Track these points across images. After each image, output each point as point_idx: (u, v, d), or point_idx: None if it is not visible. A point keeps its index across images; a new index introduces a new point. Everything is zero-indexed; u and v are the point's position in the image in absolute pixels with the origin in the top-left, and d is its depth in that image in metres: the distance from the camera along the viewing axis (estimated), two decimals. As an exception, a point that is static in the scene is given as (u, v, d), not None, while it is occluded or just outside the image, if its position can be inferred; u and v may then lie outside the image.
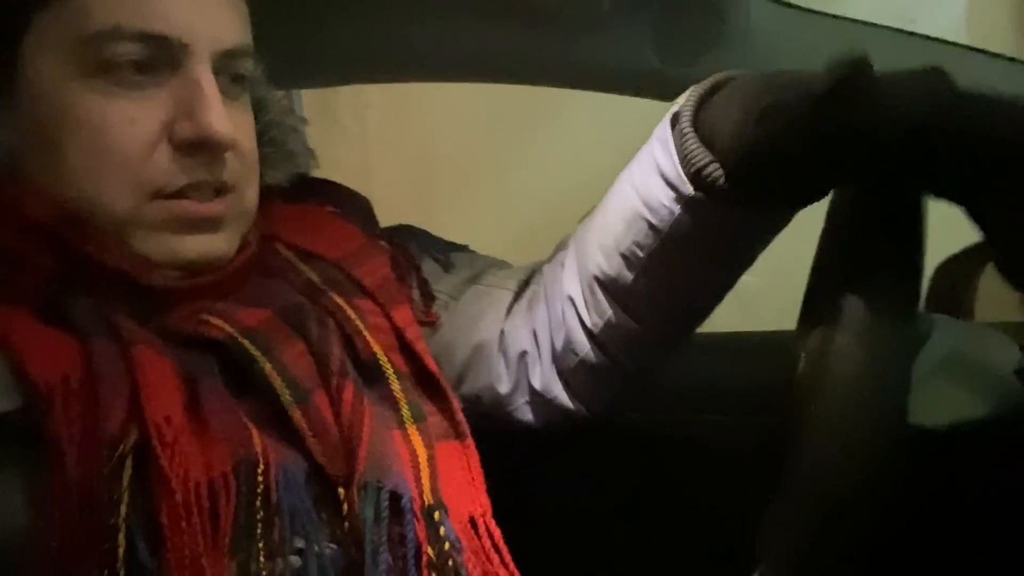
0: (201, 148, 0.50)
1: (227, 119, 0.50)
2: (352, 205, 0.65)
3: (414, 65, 0.86)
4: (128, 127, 0.49)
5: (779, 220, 0.52)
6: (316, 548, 0.46)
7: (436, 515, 0.51)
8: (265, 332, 0.51)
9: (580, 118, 1.59)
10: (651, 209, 0.52)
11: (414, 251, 0.66)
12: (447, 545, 0.50)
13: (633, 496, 0.82)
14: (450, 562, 0.50)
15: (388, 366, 0.55)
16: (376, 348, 0.55)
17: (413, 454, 0.52)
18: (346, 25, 0.81)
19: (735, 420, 0.70)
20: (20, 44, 0.49)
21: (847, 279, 0.42)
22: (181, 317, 0.51)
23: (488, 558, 0.53)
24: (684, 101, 0.51)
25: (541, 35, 0.78)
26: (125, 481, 0.43)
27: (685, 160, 0.49)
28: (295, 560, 0.46)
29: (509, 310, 0.64)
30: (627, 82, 0.80)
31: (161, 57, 0.49)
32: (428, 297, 0.65)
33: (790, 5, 0.74)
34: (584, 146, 1.70)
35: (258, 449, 0.47)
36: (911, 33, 0.72)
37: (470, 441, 0.56)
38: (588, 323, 0.59)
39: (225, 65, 0.52)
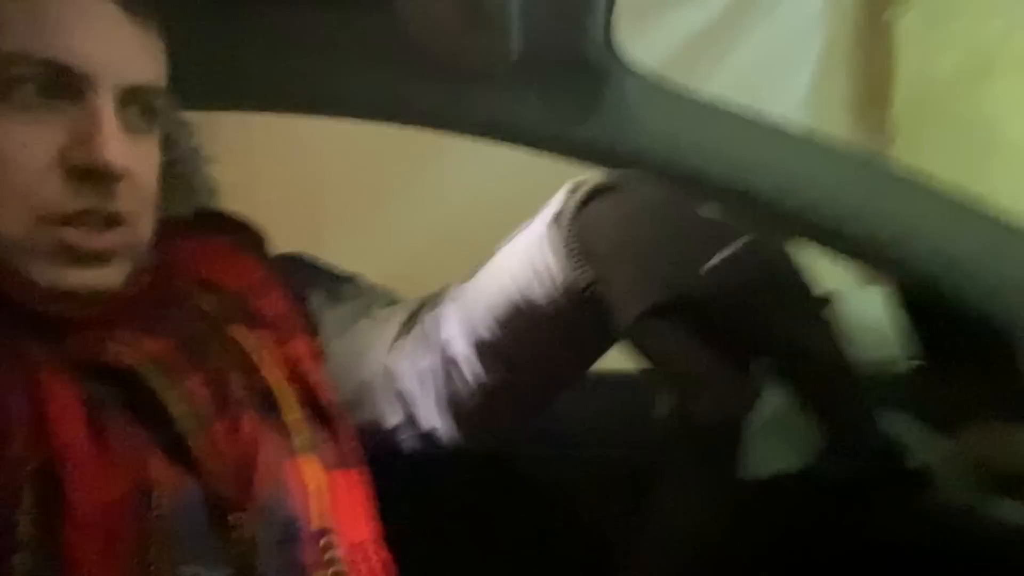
0: (93, 176, 0.51)
1: (122, 149, 0.51)
2: (251, 238, 0.67)
3: (315, 103, 0.89)
4: (21, 151, 0.50)
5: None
6: (209, 573, 0.48)
7: (326, 540, 0.53)
8: (168, 361, 0.53)
9: (466, 153, 1.65)
10: (528, 303, 0.56)
11: (303, 282, 0.68)
12: (336, 569, 0.53)
13: (517, 525, 0.86)
14: None
15: (283, 397, 0.57)
16: (272, 379, 0.57)
17: (304, 482, 0.55)
18: (250, 56, 0.83)
19: (616, 454, 0.76)
20: None
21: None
22: (86, 343, 0.51)
23: None
24: (562, 204, 0.55)
25: (438, 86, 0.83)
26: (27, 503, 0.43)
27: (571, 275, 0.53)
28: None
29: (393, 346, 0.67)
30: (515, 136, 0.86)
31: (63, 85, 0.51)
32: (315, 328, 0.67)
33: (661, 84, 0.83)
34: (470, 179, 1.76)
35: (155, 475, 0.48)
36: (766, 119, 0.83)
37: (360, 469, 0.60)
38: (469, 378, 0.63)
39: (131, 99, 0.53)
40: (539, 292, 0.56)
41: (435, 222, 1.80)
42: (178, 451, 0.51)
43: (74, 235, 0.51)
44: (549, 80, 0.82)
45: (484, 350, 0.62)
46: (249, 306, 0.61)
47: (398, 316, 0.69)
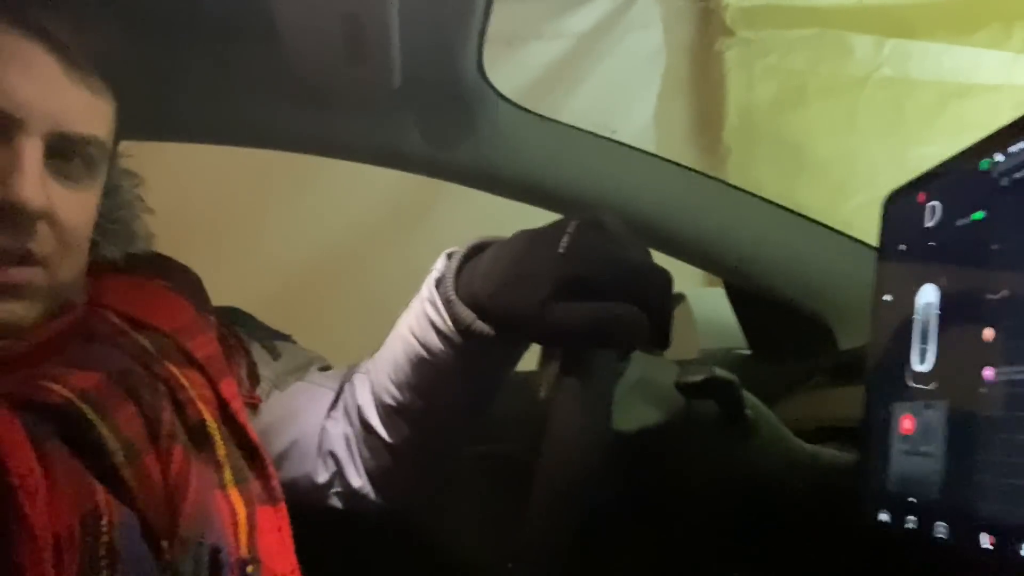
0: (10, 214, 0.52)
1: (40, 190, 0.53)
2: (183, 280, 0.69)
3: (199, 130, 0.92)
4: None
5: (526, 347, 0.65)
6: None
7: (250, 568, 0.56)
8: (99, 395, 0.54)
9: (332, 183, 1.68)
10: (431, 354, 0.63)
11: (244, 335, 0.72)
12: None
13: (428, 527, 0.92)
14: None
15: (215, 432, 0.59)
16: (205, 415, 0.59)
17: (233, 513, 0.57)
18: (136, 86, 0.85)
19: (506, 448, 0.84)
20: None
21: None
22: (18, 381, 0.52)
23: None
24: (444, 268, 0.62)
25: (324, 114, 0.88)
26: None
27: (454, 319, 0.61)
28: None
29: (330, 410, 0.73)
30: (395, 160, 0.92)
31: None
32: (254, 379, 0.71)
33: (527, 110, 0.92)
34: (335, 211, 1.80)
35: (101, 502, 0.50)
36: (615, 141, 0.94)
37: (283, 505, 0.63)
38: (388, 441, 0.69)
39: (63, 147, 0.55)
40: (435, 342, 0.62)
41: (309, 244, 1.83)
42: (114, 482, 0.52)
43: None
44: (427, 107, 0.89)
45: (391, 411, 0.68)
46: (181, 346, 0.63)
47: (334, 382, 0.74)
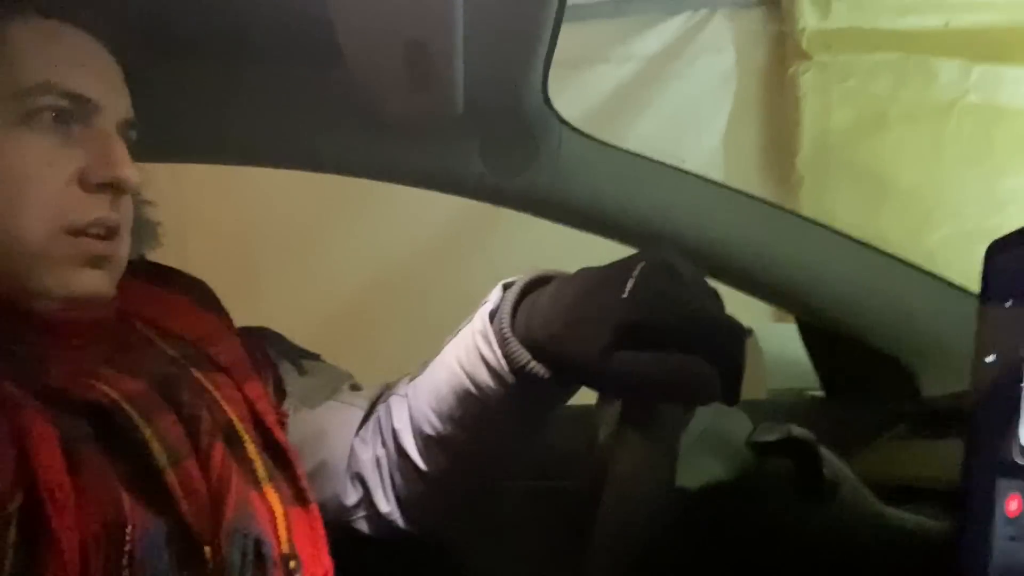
0: (109, 190, 0.57)
1: (133, 167, 0.57)
2: (201, 292, 0.70)
3: (262, 155, 0.92)
4: (46, 169, 0.55)
5: (575, 392, 0.63)
6: None
7: (292, 564, 0.56)
8: (144, 401, 0.55)
9: (392, 205, 1.68)
10: (479, 388, 0.61)
11: (272, 352, 0.72)
12: None
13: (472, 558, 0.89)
14: None
15: (243, 432, 0.59)
16: (232, 415, 0.60)
17: (270, 510, 0.57)
18: (197, 108, 0.86)
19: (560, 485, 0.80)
20: None
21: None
22: (66, 378, 0.53)
23: None
24: (499, 301, 0.61)
25: (385, 141, 0.88)
26: (10, 539, 0.45)
27: (508, 358, 0.58)
28: None
29: (359, 430, 0.72)
30: (456, 186, 0.91)
31: (77, 113, 0.57)
32: (281, 395, 0.70)
33: (591, 137, 0.90)
34: (395, 232, 1.80)
35: (127, 511, 0.50)
36: (683, 170, 0.90)
37: (314, 507, 0.62)
38: (423, 469, 0.67)
39: (125, 133, 0.60)
40: (485, 378, 0.60)
41: (367, 268, 1.84)
42: (148, 488, 0.52)
43: (87, 242, 0.56)
44: (490, 133, 0.87)
45: (430, 441, 0.66)
46: (206, 352, 0.64)
47: (364, 402, 0.73)
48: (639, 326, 0.51)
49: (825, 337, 0.98)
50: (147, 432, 0.53)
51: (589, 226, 0.91)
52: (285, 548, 0.56)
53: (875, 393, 0.93)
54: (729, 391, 0.51)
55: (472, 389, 0.61)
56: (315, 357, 0.76)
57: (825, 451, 0.62)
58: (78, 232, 0.56)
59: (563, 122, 0.88)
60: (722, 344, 0.51)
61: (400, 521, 0.70)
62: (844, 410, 0.97)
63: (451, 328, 0.67)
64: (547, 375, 0.57)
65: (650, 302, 0.51)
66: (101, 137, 0.57)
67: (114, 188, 0.57)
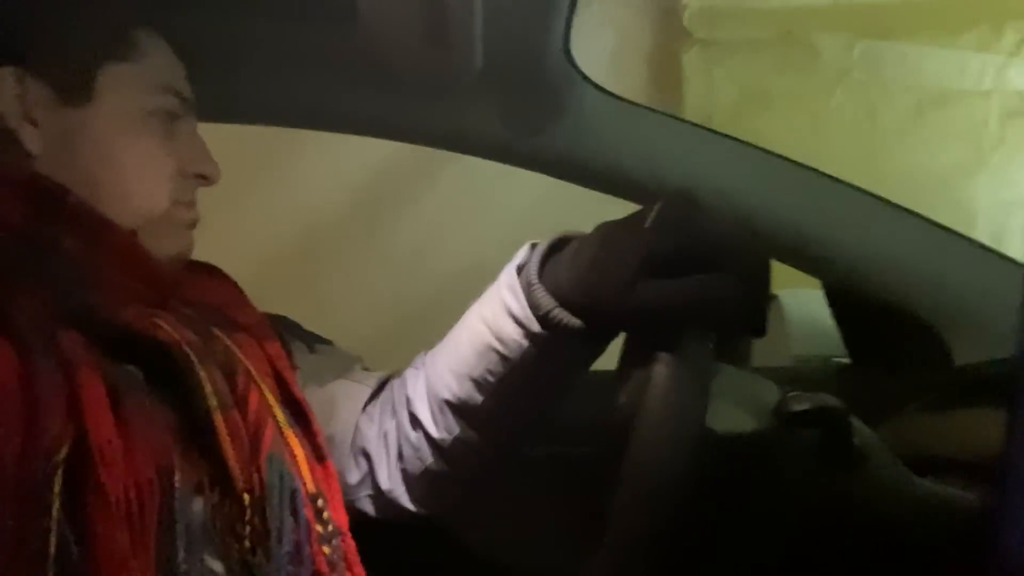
0: (201, 179, 0.66)
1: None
2: (212, 267, 0.72)
3: (272, 114, 0.91)
4: (163, 161, 0.64)
5: (604, 346, 0.63)
6: (202, 564, 0.51)
7: (320, 503, 0.58)
8: (196, 345, 0.58)
9: (326, 151, 1.61)
10: (503, 343, 0.61)
11: (284, 333, 0.72)
12: (331, 527, 0.57)
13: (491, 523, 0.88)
14: (334, 541, 0.57)
15: (261, 383, 0.60)
16: (252, 368, 0.61)
17: (293, 454, 0.59)
18: (209, 67, 0.83)
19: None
20: (94, 77, 0.61)
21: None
22: (130, 316, 0.56)
23: (354, 558, 0.59)
24: (527, 256, 0.61)
25: (401, 98, 0.85)
26: (56, 488, 0.46)
27: (533, 305, 0.59)
28: (201, 565, 0.51)
29: (366, 407, 0.72)
30: (475, 147, 0.89)
31: (181, 112, 0.65)
32: (290, 363, 0.70)
33: (616, 96, 0.87)
34: (329, 179, 1.72)
35: (176, 461, 0.52)
36: (711, 131, 0.88)
37: (330, 464, 0.63)
38: (435, 437, 0.67)
39: None
40: (509, 330, 0.60)
41: (295, 219, 1.74)
42: (194, 434, 0.54)
43: (188, 211, 0.66)
44: (510, 92, 0.85)
45: (447, 407, 0.66)
46: (227, 315, 0.65)
47: (371, 381, 0.73)
48: (663, 254, 0.51)
49: (854, 303, 0.96)
50: (201, 374, 0.55)
51: (613, 189, 0.89)
52: (311, 488, 0.58)
53: (904, 361, 0.91)
54: (756, 316, 0.51)
55: (495, 343, 0.61)
56: (327, 342, 0.77)
57: (856, 420, 0.60)
58: (184, 206, 0.65)
59: (586, 79, 0.85)
60: (746, 262, 0.51)
61: (402, 499, 0.70)
62: (872, 378, 0.95)
63: (383, 279, 0.68)
64: (574, 323, 0.57)
65: (672, 230, 0.52)
66: (193, 135, 0.66)
67: (203, 179, 0.66)
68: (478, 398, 0.64)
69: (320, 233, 1.79)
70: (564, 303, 0.57)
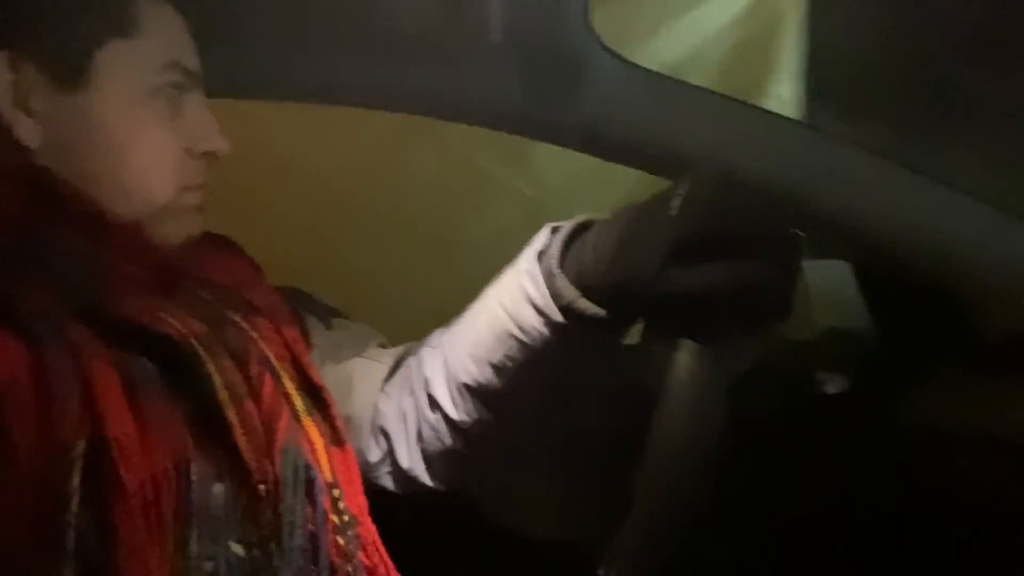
0: (211, 158, 0.62)
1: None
2: (228, 243, 0.71)
3: (289, 88, 0.88)
4: (168, 138, 0.60)
5: (626, 332, 0.61)
6: (227, 549, 0.51)
7: (336, 492, 0.57)
8: (207, 338, 0.57)
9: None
10: (523, 330, 0.60)
11: (299, 308, 0.72)
12: (347, 517, 0.57)
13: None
14: (350, 532, 0.56)
15: (281, 369, 0.60)
16: (270, 354, 0.60)
17: (311, 441, 0.58)
18: (219, 40, 0.81)
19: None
20: (92, 57, 0.57)
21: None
22: (137, 310, 0.55)
23: (371, 545, 0.59)
24: (547, 241, 0.60)
25: (417, 70, 0.83)
26: (75, 481, 0.46)
27: (555, 295, 0.58)
28: (226, 551, 0.51)
29: (384, 386, 0.71)
30: (493, 119, 0.87)
31: (187, 85, 0.61)
32: (308, 346, 0.70)
33: (638, 66, 0.84)
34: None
35: (192, 452, 0.52)
36: (737, 100, 0.85)
37: (348, 447, 0.63)
38: (455, 419, 0.66)
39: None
40: (529, 318, 0.59)
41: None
42: (209, 425, 0.54)
43: (196, 195, 0.62)
44: (529, 62, 0.83)
45: (466, 391, 0.65)
46: (243, 296, 0.64)
47: (388, 359, 0.73)
48: (690, 241, 0.50)
49: (880, 274, 0.94)
50: (211, 368, 0.55)
51: (635, 161, 0.87)
52: (329, 477, 0.57)
53: (932, 333, 0.89)
54: (782, 303, 0.50)
55: (515, 331, 0.60)
56: (339, 313, 0.76)
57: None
58: (191, 190, 0.62)
59: (607, 50, 0.83)
60: (776, 251, 0.50)
61: (423, 476, 0.70)
62: (898, 349, 0.93)
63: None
64: (597, 312, 0.56)
65: (698, 215, 0.51)
66: (201, 109, 0.62)
67: (212, 156, 0.62)
68: (497, 383, 0.63)
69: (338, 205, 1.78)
70: (586, 291, 0.57)
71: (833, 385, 0.58)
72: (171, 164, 0.60)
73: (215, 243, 0.69)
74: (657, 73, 0.86)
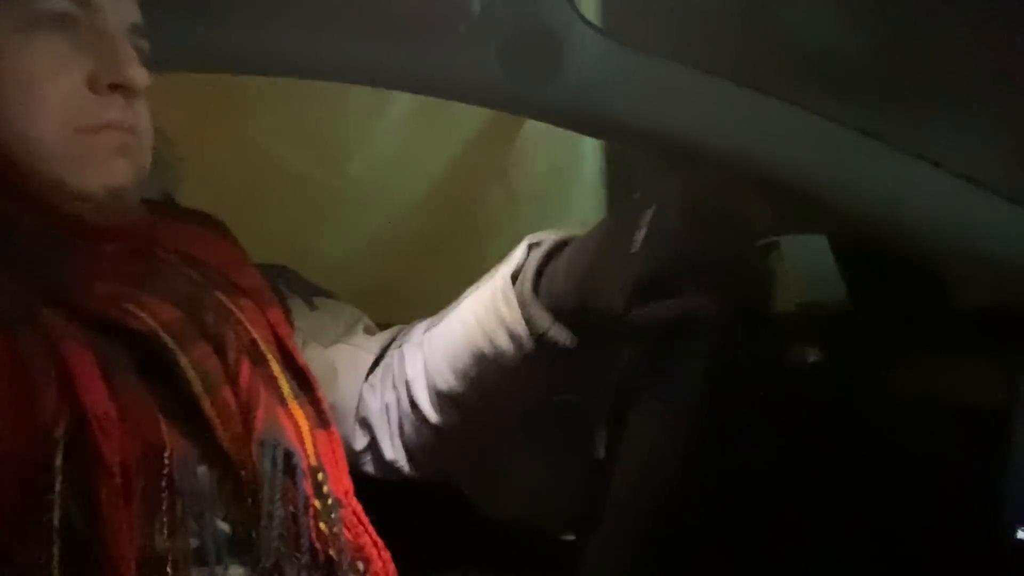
0: (119, 91, 0.56)
1: (141, 70, 0.56)
2: (215, 224, 0.70)
3: (267, 64, 0.87)
4: (54, 72, 0.55)
5: (600, 355, 0.64)
6: (212, 527, 0.52)
7: (320, 476, 0.57)
8: (180, 328, 0.56)
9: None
10: (497, 351, 0.62)
11: (283, 288, 0.72)
12: (330, 501, 0.57)
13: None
14: (332, 515, 0.57)
15: (267, 351, 0.60)
16: (255, 335, 0.60)
17: (296, 424, 0.58)
18: (199, 17, 0.80)
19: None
20: None
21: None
22: (103, 301, 0.53)
23: (356, 525, 0.60)
24: (522, 260, 0.61)
25: (396, 45, 0.83)
26: (58, 462, 0.47)
27: (529, 321, 0.59)
28: (212, 528, 0.52)
29: (368, 375, 0.72)
30: (474, 96, 0.86)
31: (82, 17, 0.56)
32: (291, 327, 0.70)
33: (622, 43, 0.84)
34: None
35: (165, 436, 0.51)
36: (729, 82, 0.85)
37: (335, 429, 0.63)
38: (433, 421, 0.68)
39: (131, 36, 0.58)
40: (503, 341, 0.61)
41: None
42: (185, 412, 0.53)
43: (106, 135, 0.56)
44: (509, 37, 0.82)
45: (443, 397, 0.67)
46: (228, 277, 0.64)
47: (373, 347, 0.73)
48: (649, 280, 0.53)
49: (858, 248, 0.95)
50: (183, 360, 0.54)
51: (619, 138, 0.87)
52: (313, 461, 0.57)
53: (909, 306, 0.91)
54: (751, 328, 0.57)
55: (488, 351, 0.62)
56: (328, 294, 0.76)
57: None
58: (93, 132, 0.55)
59: (589, 25, 0.83)
60: (740, 284, 0.55)
61: (407, 467, 0.71)
62: (874, 322, 0.95)
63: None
64: (567, 343, 0.58)
65: (661, 253, 0.53)
66: (108, 39, 0.56)
67: (124, 89, 0.56)
68: (474, 396, 0.65)
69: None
70: (558, 315, 0.58)
71: (810, 358, 0.59)
72: (54, 103, 0.54)
73: (202, 221, 0.68)
74: (646, 52, 0.85)
